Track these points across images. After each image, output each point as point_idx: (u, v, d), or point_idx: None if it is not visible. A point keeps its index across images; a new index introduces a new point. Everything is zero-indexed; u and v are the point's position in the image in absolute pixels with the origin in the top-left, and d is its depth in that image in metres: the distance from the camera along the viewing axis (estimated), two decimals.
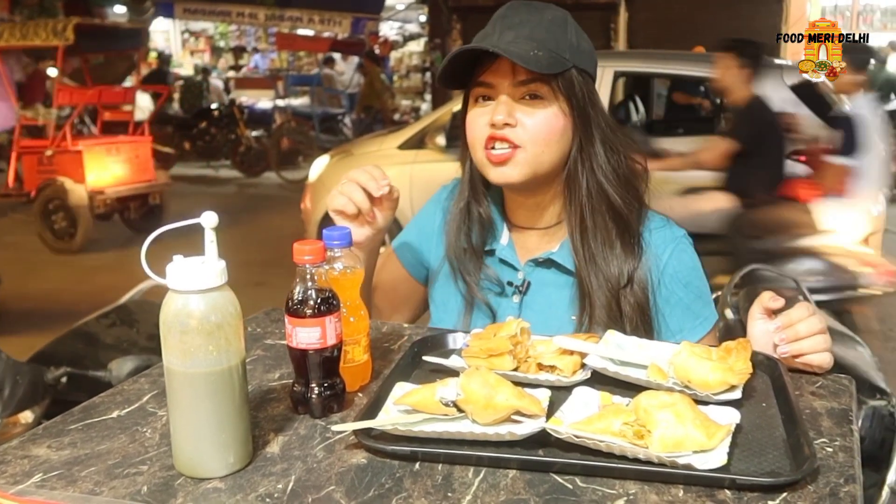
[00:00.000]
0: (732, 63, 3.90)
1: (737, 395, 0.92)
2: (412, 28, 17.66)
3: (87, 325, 2.40)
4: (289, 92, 12.92)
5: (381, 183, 1.19)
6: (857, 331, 3.23)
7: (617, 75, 5.24)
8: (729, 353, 0.96)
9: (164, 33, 18.69)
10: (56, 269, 6.42)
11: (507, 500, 0.74)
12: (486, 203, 1.31)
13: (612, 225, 1.22)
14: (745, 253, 3.44)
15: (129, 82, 9.28)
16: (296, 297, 0.89)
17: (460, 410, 0.85)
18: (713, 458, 0.77)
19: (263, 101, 13.11)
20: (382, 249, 1.36)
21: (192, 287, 0.77)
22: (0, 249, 6.94)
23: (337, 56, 13.10)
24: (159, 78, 12.16)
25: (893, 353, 4.48)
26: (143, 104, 11.62)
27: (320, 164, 5.82)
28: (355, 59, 12.71)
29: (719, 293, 2.35)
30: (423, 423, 0.85)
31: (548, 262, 1.27)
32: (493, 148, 1.19)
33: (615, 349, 1.00)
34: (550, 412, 0.87)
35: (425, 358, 1.04)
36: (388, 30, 17.35)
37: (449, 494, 0.75)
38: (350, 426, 0.84)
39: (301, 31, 12.22)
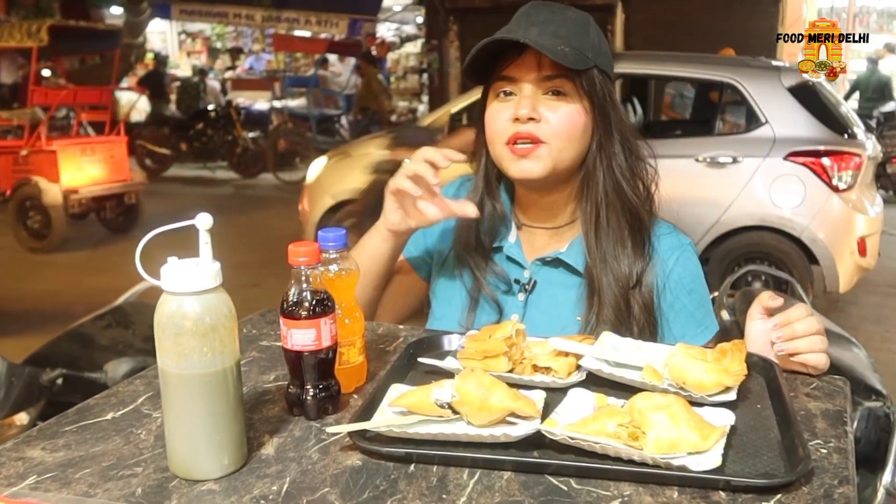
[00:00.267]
0: None
1: (731, 396, 0.92)
2: (409, 29, 17.64)
3: (82, 327, 2.40)
4: (286, 93, 12.92)
5: (450, 156, 1.18)
6: (853, 332, 3.24)
7: (615, 77, 5.24)
8: (724, 355, 0.96)
9: (160, 34, 18.65)
10: (34, 269, 6.45)
11: (501, 501, 0.74)
12: (499, 199, 1.31)
13: (625, 224, 1.23)
14: None
15: (125, 83, 9.28)
16: (291, 298, 0.89)
17: (455, 412, 0.85)
18: (708, 459, 0.78)
19: (260, 102, 13.11)
20: None
21: (187, 289, 0.77)
22: None
23: (333, 57, 13.10)
24: (156, 79, 12.17)
25: (890, 354, 4.49)
26: (140, 105, 11.63)
27: (318, 166, 5.82)
28: (352, 61, 12.71)
29: (716, 294, 2.36)
30: (418, 425, 0.85)
31: (556, 262, 1.27)
32: (514, 143, 1.19)
33: (610, 351, 1.00)
34: (545, 414, 0.87)
35: (420, 359, 1.04)
36: (384, 31, 17.34)
37: (444, 496, 0.75)
38: (345, 428, 0.84)
39: (298, 33, 12.22)
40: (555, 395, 0.93)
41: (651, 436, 0.79)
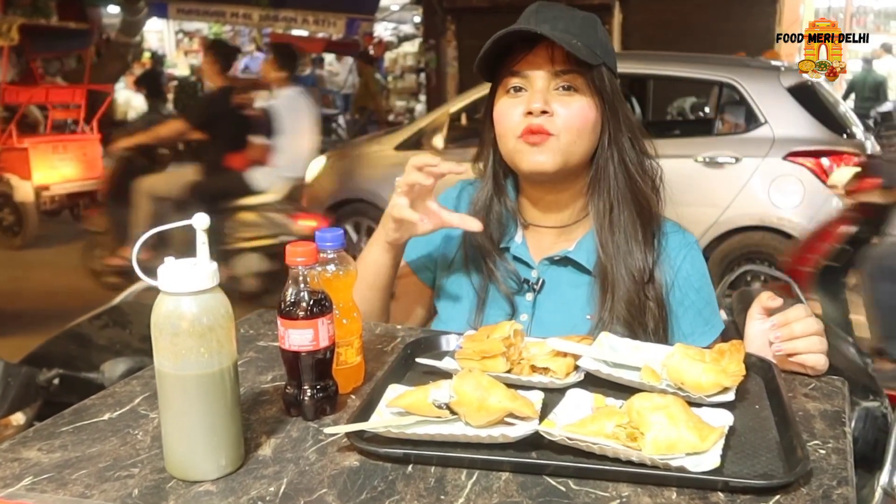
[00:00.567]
0: (208, 59, 5.22)
1: (730, 397, 0.92)
2: (407, 29, 17.62)
3: (79, 327, 2.38)
4: None
5: (453, 169, 1.17)
6: (851, 331, 3.25)
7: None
8: (722, 356, 0.96)
9: (157, 33, 18.62)
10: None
11: (499, 502, 0.74)
12: (508, 197, 1.31)
13: (636, 219, 1.23)
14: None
15: (122, 83, 9.27)
16: (288, 298, 0.89)
17: (453, 412, 0.85)
18: (706, 460, 0.77)
19: (258, 101, 13.06)
20: None
21: (184, 289, 0.77)
22: None
23: (331, 57, 13.08)
24: (153, 78, 12.14)
25: None
26: (136, 104, 11.60)
27: (316, 165, 5.82)
28: (349, 60, 12.69)
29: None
30: (416, 426, 0.84)
31: (564, 261, 1.27)
32: (527, 136, 1.19)
33: (608, 351, 1.00)
34: (543, 414, 0.86)
35: (418, 360, 1.04)
36: (382, 31, 17.31)
37: (441, 497, 0.75)
38: (343, 428, 0.84)
39: (295, 32, 12.20)
40: (553, 395, 0.93)
41: (649, 436, 0.79)
